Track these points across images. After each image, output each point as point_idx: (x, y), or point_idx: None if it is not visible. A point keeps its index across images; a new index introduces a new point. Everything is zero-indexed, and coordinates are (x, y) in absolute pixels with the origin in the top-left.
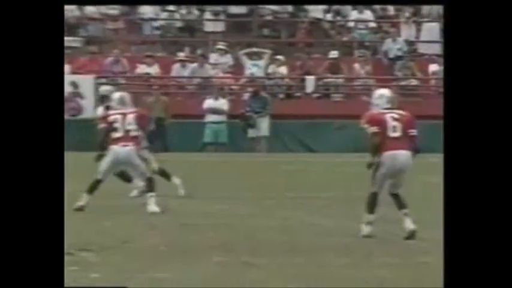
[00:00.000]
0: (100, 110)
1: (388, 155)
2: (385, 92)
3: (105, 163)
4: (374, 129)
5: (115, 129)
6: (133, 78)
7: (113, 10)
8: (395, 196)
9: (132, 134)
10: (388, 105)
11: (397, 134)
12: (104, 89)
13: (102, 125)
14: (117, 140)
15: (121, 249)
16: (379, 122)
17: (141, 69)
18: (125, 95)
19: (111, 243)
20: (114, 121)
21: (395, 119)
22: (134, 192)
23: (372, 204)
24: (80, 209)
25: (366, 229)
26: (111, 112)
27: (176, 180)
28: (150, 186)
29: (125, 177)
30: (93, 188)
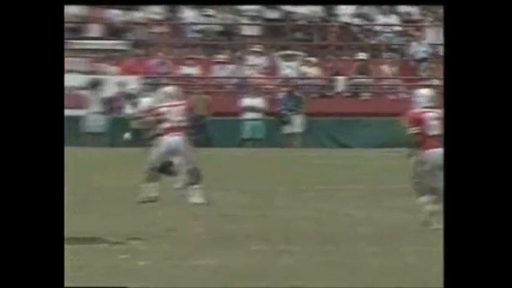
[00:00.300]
0: (145, 103)
1: (429, 153)
2: (425, 91)
3: (156, 153)
4: (415, 129)
5: (165, 120)
6: (176, 79)
7: (158, 15)
8: (434, 190)
9: (181, 124)
10: (429, 104)
11: (436, 132)
12: (167, 89)
13: (150, 118)
14: (167, 131)
15: (166, 238)
16: (420, 121)
17: (183, 70)
18: (174, 89)
19: (158, 232)
20: (164, 113)
21: (435, 118)
22: (178, 184)
23: (420, 190)
24: (152, 200)
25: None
26: (159, 105)
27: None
28: (195, 177)
29: (168, 172)
30: (152, 177)
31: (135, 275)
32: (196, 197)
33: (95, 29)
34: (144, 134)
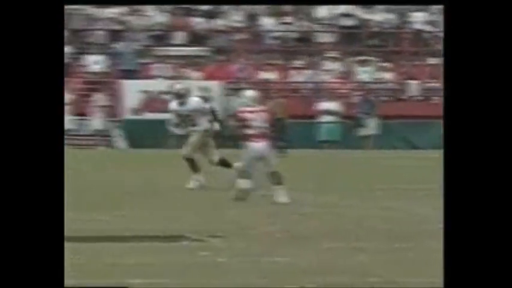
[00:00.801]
0: (173, 105)
1: None
2: None
3: (244, 159)
4: None
5: (250, 126)
6: (255, 84)
7: (238, 23)
8: None
9: (265, 130)
10: None
11: None
12: (249, 93)
13: (235, 122)
14: (252, 137)
15: (244, 236)
16: None
17: (262, 75)
18: (255, 93)
19: (236, 230)
20: (249, 119)
21: None
22: (192, 185)
23: None
24: (242, 198)
25: None
26: (244, 109)
27: (199, 177)
28: (277, 178)
29: (194, 166)
30: (244, 175)
31: (213, 271)
32: (281, 196)
33: (179, 36)
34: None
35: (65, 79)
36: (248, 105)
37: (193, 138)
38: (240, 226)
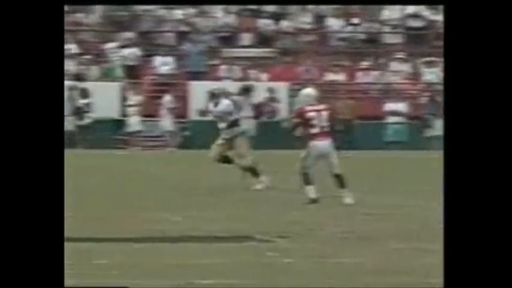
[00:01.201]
0: (210, 106)
1: None
2: None
3: (307, 158)
4: None
5: (312, 126)
6: (322, 85)
7: (305, 24)
8: None
9: (327, 129)
10: None
11: None
12: (308, 90)
13: (297, 120)
14: (315, 136)
15: (311, 237)
16: None
17: (329, 76)
18: (314, 90)
19: (303, 231)
20: (312, 117)
21: None
22: (259, 186)
23: None
24: (314, 201)
25: None
26: (307, 108)
27: (264, 178)
28: (342, 182)
29: (228, 161)
30: (308, 180)
31: (280, 272)
32: (347, 198)
33: (246, 38)
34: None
35: (134, 81)
36: (308, 104)
37: (220, 140)
38: (307, 227)
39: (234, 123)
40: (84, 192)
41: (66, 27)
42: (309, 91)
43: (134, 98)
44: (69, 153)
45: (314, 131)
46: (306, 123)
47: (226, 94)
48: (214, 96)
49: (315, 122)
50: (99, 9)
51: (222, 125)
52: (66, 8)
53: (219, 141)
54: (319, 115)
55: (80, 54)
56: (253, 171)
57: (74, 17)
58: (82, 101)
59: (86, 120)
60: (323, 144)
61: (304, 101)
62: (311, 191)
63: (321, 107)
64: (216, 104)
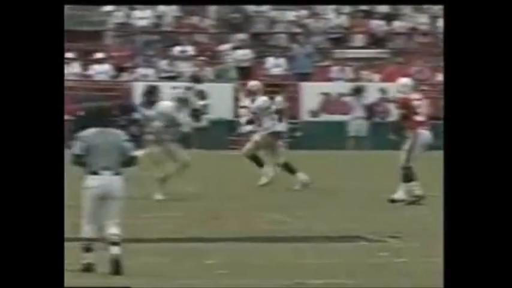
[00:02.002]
0: (246, 102)
1: None
2: None
3: (413, 148)
4: None
5: (417, 114)
6: (433, 85)
7: (418, 25)
8: None
9: (427, 118)
10: None
11: None
12: (405, 80)
13: (403, 111)
14: (421, 124)
15: (421, 236)
16: None
17: (440, 77)
18: (412, 80)
19: (414, 231)
20: (417, 106)
21: None
22: (263, 180)
23: None
24: (417, 199)
25: None
26: (411, 97)
27: (301, 175)
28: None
29: (258, 162)
30: (411, 176)
31: (392, 272)
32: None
33: (358, 39)
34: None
35: (246, 82)
36: (407, 94)
37: (256, 137)
38: (418, 227)
39: (280, 118)
40: (196, 192)
41: (182, 30)
42: (406, 81)
43: (245, 99)
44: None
45: (419, 119)
46: (411, 112)
47: (261, 91)
48: (250, 92)
49: (420, 110)
50: (213, 12)
51: (260, 121)
52: (180, 11)
53: (258, 138)
54: (422, 104)
55: (195, 56)
56: (258, 162)
57: (189, 19)
58: (199, 103)
59: (203, 122)
60: (428, 133)
61: (402, 91)
62: (416, 188)
63: (421, 96)
64: (252, 101)
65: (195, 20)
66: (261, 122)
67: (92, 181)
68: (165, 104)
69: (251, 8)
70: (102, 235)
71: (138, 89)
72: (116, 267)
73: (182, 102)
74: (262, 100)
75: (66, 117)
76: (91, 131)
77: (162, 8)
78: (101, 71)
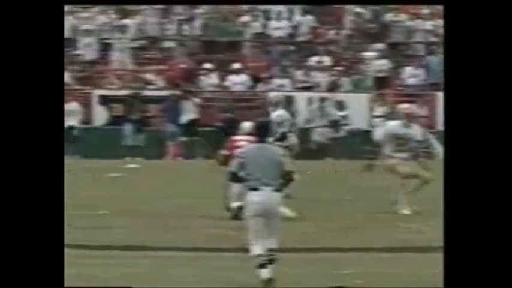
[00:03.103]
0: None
1: None
2: None
3: None
4: None
5: None
6: None
7: None
8: None
9: None
10: None
11: None
12: None
13: None
14: None
15: None
16: None
17: None
18: None
19: None
20: None
21: None
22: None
23: None
24: None
25: None
26: None
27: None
28: None
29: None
30: None
31: None
32: None
33: None
34: None
35: (381, 92)
36: None
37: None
38: None
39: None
40: (332, 201)
41: (318, 40)
42: None
43: (379, 109)
44: (316, 163)
45: None
46: None
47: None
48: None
49: None
50: (349, 21)
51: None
52: (316, 21)
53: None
54: None
55: (332, 66)
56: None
57: (325, 29)
58: (338, 113)
59: (341, 133)
60: None
61: None
62: None
63: None
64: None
65: (331, 30)
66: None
67: (252, 197)
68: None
69: (388, 18)
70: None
71: (274, 99)
72: (269, 285)
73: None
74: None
75: (206, 128)
76: (249, 148)
77: (298, 18)
78: (238, 81)
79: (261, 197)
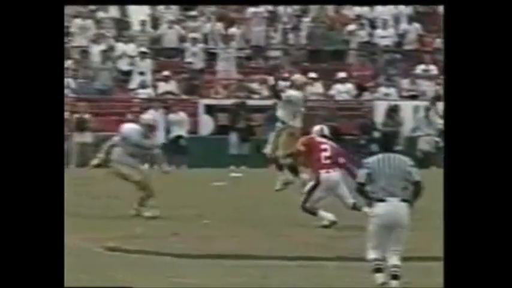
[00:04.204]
0: None
1: None
2: None
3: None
4: None
5: None
6: None
7: None
8: None
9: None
10: None
11: None
12: None
13: None
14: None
15: None
16: None
17: None
18: None
19: None
20: None
21: None
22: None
23: None
24: None
25: None
26: None
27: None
28: None
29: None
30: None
31: None
32: None
33: None
34: None
35: None
36: None
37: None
38: None
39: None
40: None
41: (423, 49)
42: None
43: None
44: (423, 173)
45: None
46: None
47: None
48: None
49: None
50: None
51: None
52: (423, 29)
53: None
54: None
55: (439, 75)
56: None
57: (432, 37)
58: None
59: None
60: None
61: None
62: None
63: None
64: None
65: (437, 38)
66: None
67: (378, 208)
68: None
69: None
70: (385, 264)
71: (380, 108)
72: None
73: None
74: None
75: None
76: (376, 158)
77: (404, 26)
78: (343, 90)
79: (387, 208)
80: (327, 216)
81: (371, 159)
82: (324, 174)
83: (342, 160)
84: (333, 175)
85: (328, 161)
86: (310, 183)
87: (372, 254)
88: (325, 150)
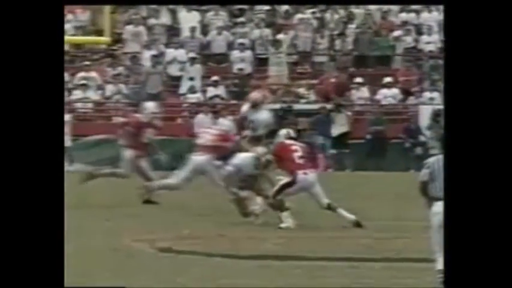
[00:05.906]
0: None
1: None
2: None
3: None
4: None
5: None
6: None
7: None
8: None
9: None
10: None
11: None
12: None
13: None
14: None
15: None
16: None
17: None
18: None
19: None
20: None
21: None
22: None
23: None
24: None
25: None
26: None
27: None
28: None
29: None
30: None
31: None
32: None
33: None
34: None
35: None
36: None
37: None
38: None
39: None
40: None
41: None
42: None
43: None
44: None
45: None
46: None
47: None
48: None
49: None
50: None
51: None
52: None
53: None
54: None
55: None
56: None
57: None
58: None
59: None
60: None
61: None
62: None
63: None
64: None
65: None
66: None
67: (437, 208)
68: None
69: None
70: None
71: (425, 113)
72: None
73: None
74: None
75: (356, 141)
76: (435, 158)
77: None
78: (389, 95)
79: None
80: (289, 220)
81: (431, 160)
82: (301, 175)
83: (313, 155)
84: (310, 176)
85: (301, 161)
86: (286, 179)
87: (440, 265)
88: (296, 150)
